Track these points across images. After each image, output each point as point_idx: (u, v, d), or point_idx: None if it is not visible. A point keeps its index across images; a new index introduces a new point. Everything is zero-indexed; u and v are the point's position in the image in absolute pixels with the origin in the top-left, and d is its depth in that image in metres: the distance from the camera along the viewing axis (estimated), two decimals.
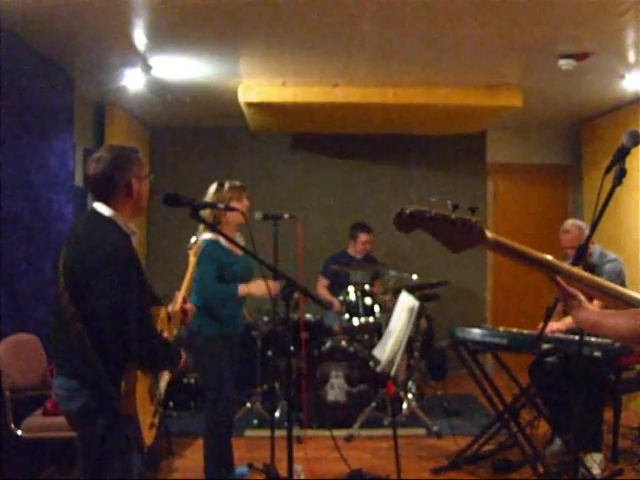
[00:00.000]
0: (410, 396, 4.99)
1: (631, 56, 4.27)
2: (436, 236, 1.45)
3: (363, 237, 5.75)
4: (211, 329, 3.44)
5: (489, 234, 1.47)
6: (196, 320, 3.40)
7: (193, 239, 3.12)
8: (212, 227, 3.05)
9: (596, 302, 1.60)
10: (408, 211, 1.43)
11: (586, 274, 1.58)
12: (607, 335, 1.55)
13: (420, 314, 4.99)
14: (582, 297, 1.58)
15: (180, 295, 2.72)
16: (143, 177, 2.34)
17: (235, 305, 3.56)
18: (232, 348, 3.54)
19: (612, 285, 1.57)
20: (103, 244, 2.17)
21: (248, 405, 5.00)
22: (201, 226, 3.43)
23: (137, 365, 2.19)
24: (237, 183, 3.58)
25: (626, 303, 1.53)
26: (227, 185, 3.53)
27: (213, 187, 3.54)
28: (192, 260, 2.97)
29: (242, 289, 3.48)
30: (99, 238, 2.19)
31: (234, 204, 3.40)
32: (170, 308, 2.63)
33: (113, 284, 2.12)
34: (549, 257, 1.56)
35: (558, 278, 1.55)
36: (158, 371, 2.41)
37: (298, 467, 3.75)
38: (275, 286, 3.34)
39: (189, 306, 2.74)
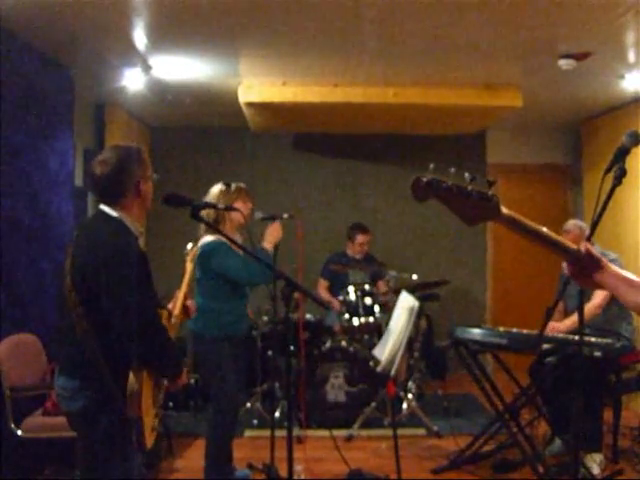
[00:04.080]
0: (410, 396, 4.99)
1: (631, 56, 4.27)
2: (451, 207, 1.42)
3: (360, 238, 5.74)
4: (217, 330, 3.44)
5: (504, 210, 1.46)
6: (201, 322, 3.42)
7: (189, 246, 3.12)
8: (212, 227, 3.05)
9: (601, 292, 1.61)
10: (425, 179, 1.41)
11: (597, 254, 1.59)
12: (624, 302, 1.57)
13: (420, 314, 5.00)
14: (605, 260, 1.58)
15: (181, 292, 2.73)
16: (148, 177, 2.35)
17: (241, 305, 3.58)
18: (237, 348, 3.55)
19: (621, 271, 1.58)
20: (111, 245, 2.17)
21: (248, 405, 5.00)
22: (202, 226, 3.44)
23: (144, 366, 2.19)
24: (243, 185, 3.60)
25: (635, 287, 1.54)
26: (234, 186, 3.54)
27: (218, 187, 3.53)
28: (189, 266, 2.97)
29: (268, 245, 3.48)
30: (107, 239, 2.19)
31: (239, 205, 3.40)
32: (171, 306, 2.64)
33: (121, 285, 2.12)
34: (562, 238, 1.57)
35: (587, 244, 1.56)
36: (161, 374, 2.39)
37: (298, 467, 3.76)
38: (279, 229, 3.52)
39: (190, 302, 2.76)
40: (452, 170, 1.43)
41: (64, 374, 2.24)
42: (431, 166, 1.43)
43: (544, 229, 1.53)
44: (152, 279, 2.30)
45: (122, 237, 2.21)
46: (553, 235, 1.54)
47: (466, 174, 1.43)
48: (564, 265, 1.61)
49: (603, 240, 4.57)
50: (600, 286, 1.60)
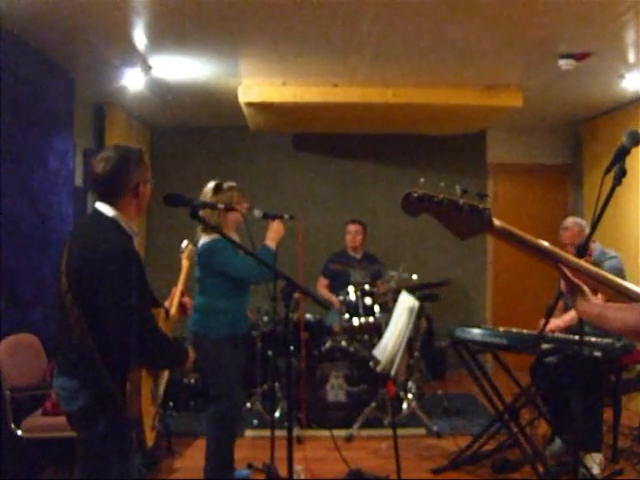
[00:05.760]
0: (410, 396, 4.98)
1: (631, 56, 4.27)
2: (443, 221, 1.42)
3: (350, 227, 5.84)
4: (218, 330, 3.44)
5: (496, 222, 1.45)
6: (202, 322, 3.42)
7: (184, 243, 3.12)
8: (212, 227, 3.05)
9: (600, 296, 1.59)
10: (416, 195, 1.40)
11: (591, 266, 1.58)
12: (610, 328, 1.54)
13: (420, 314, 5.00)
14: (586, 289, 1.56)
15: (178, 289, 2.73)
16: (147, 179, 2.35)
17: (242, 304, 3.58)
18: (238, 348, 3.55)
19: (615, 279, 1.57)
20: (106, 245, 2.17)
21: (248, 405, 5.00)
22: (199, 227, 3.44)
23: (142, 365, 2.19)
24: (234, 184, 3.58)
25: (629, 297, 1.53)
26: (225, 186, 3.52)
27: (210, 188, 3.51)
28: (185, 264, 2.97)
29: (271, 243, 3.51)
30: (102, 239, 2.19)
31: (234, 205, 3.40)
32: (167, 303, 2.65)
33: (116, 285, 2.12)
34: (556, 248, 1.56)
35: (563, 268, 1.54)
36: (164, 368, 2.42)
37: (298, 467, 3.75)
38: (281, 227, 3.56)
39: (187, 299, 2.76)
40: (442, 184, 1.43)
41: (63, 374, 2.24)
42: (421, 180, 1.43)
43: (539, 241, 1.52)
44: (146, 279, 2.30)
45: (116, 237, 2.21)
46: (547, 246, 1.53)
47: (457, 187, 1.43)
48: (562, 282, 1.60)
49: (603, 240, 4.57)
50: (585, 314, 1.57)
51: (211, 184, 3.52)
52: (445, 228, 1.43)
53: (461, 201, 1.40)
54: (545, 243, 1.54)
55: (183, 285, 2.82)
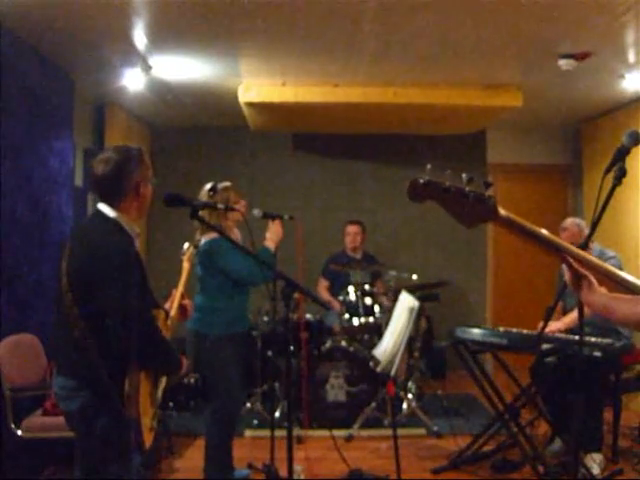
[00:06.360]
0: (410, 396, 4.99)
1: (631, 56, 4.27)
2: (448, 209, 1.42)
3: (349, 228, 5.86)
4: (218, 329, 3.44)
5: (502, 211, 1.45)
6: (203, 320, 3.42)
7: (186, 245, 3.12)
8: (212, 228, 3.05)
9: (604, 289, 1.60)
10: (422, 181, 1.40)
11: (594, 259, 1.58)
12: (616, 319, 1.55)
13: (420, 314, 5.00)
14: (593, 279, 1.57)
15: (178, 292, 2.73)
16: (148, 179, 2.35)
17: (243, 303, 3.58)
18: (237, 347, 3.55)
19: (616, 271, 1.57)
20: (107, 246, 2.17)
21: (248, 405, 5.00)
22: (199, 228, 3.43)
23: (140, 367, 2.19)
24: (229, 184, 3.58)
25: (628, 289, 1.53)
26: (220, 186, 3.51)
27: (205, 190, 3.49)
28: (186, 266, 2.97)
29: (270, 244, 3.50)
30: (103, 240, 2.19)
31: (231, 204, 3.40)
32: (168, 305, 2.65)
33: (117, 286, 2.12)
34: (559, 239, 1.56)
35: (569, 258, 1.55)
36: (160, 372, 2.41)
37: (298, 467, 3.75)
38: (281, 228, 3.55)
39: (187, 302, 2.76)
40: (448, 172, 1.43)
41: (62, 374, 2.24)
42: (428, 167, 1.43)
43: (542, 230, 1.53)
44: (147, 279, 2.30)
45: (117, 238, 2.22)
46: (551, 236, 1.53)
47: (463, 175, 1.43)
48: (564, 266, 1.60)
49: (603, 240, 4.57)
50: (590, 304, 1.58)
51: (207, 186, 3.51)
52: (450, 216, 1.43)
53: (467, 189, 1.40)
54: (549, 234, 1.54)
55: (183, 287, 2.82)
